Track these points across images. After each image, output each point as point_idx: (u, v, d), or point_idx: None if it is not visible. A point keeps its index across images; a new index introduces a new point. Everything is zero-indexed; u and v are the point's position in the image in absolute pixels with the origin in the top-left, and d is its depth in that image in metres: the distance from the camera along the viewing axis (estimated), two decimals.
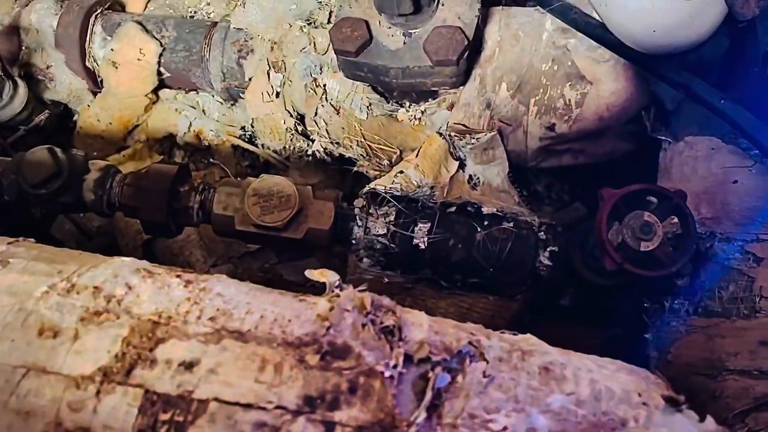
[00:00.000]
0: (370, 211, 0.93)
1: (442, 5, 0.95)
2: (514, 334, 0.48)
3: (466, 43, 0.91)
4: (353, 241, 0.93)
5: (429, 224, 0.92)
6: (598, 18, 0.92)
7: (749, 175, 0.85)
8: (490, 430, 0.38)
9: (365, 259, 0.94)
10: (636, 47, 0.86)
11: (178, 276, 0.48)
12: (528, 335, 0.48)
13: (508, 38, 1.02)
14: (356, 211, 0.93)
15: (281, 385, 0.41)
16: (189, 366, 0.41)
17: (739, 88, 0.86)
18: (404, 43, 0.94)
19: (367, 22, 0.95)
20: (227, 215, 0.89)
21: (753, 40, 0.82)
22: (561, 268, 0.91)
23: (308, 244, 0.91)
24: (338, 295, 0.47)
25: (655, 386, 0.42)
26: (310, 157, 1.18)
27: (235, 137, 1.21)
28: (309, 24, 1.09)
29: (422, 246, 0.91)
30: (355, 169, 1.12)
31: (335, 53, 0.96)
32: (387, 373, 0.41)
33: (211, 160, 1.24)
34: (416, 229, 0.92)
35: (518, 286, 0.94)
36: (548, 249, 0.91)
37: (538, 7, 1.01)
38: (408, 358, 0.42)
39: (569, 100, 0.99)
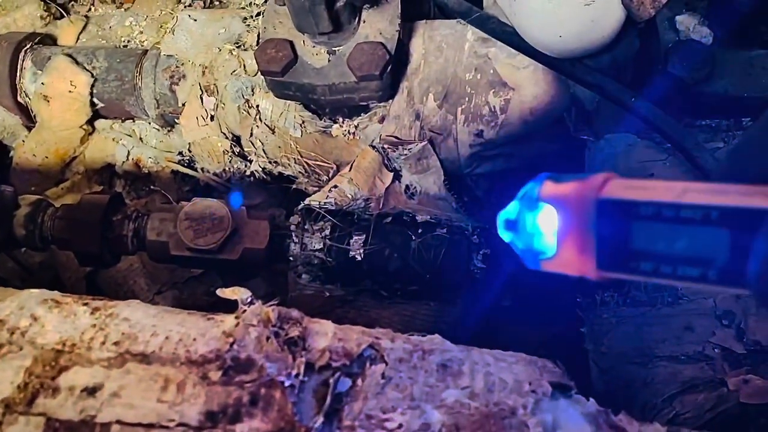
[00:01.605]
0: (306, 227, 0.94)
1: (364, 22, 0.97)
2: (422, 336, 0.50)
3: (387, 57, 0.94)
4: (291, 258, 0.94)
5: (364, 236, 0.93)
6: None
7: (663, 167, 0.89)
8: (385, 429, 0.40)
9: (304, 275, 0.95)
10: (548, 52, 0.90)
11: (85, 304, 0.48)
12: (434, 336, 0.50)
13: (432, 50, 1.05)
14: (292, 228, 0.94)
15: (183, 402, 0.41)
16: (92, 391, 0.42)
17: (648, 86, 0.90)
18: (329, 60, 0.96)
19: (291, 42, 0.96)
20: (161, 241, 0.89)
21: (655, 40, 0.86)
22: (495, 270, 0.93)
23: (246, 265, 0.92)
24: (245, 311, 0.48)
25: (548, 375, 0.44)
26: (251, 178, 1.19)
27: (174, 163, 1.21)
28: (238, 47, 1.11)
29: (359, 257, 0.93)
30: (294, 186, 1.13)
31: (262, 74, 0.97)
32: (288, 383, 0.42)
33: (152, 187, 1.24)
34: (352, 241, 0.93)
35: (456, 289, 0.96)
36: (481, 252, 0.94)
37: (459, 19, 1.04)
38: (310, 367, 0.43)
39: (494, 107, 1.02)
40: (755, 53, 0.82)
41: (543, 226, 0.35)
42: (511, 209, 0.38)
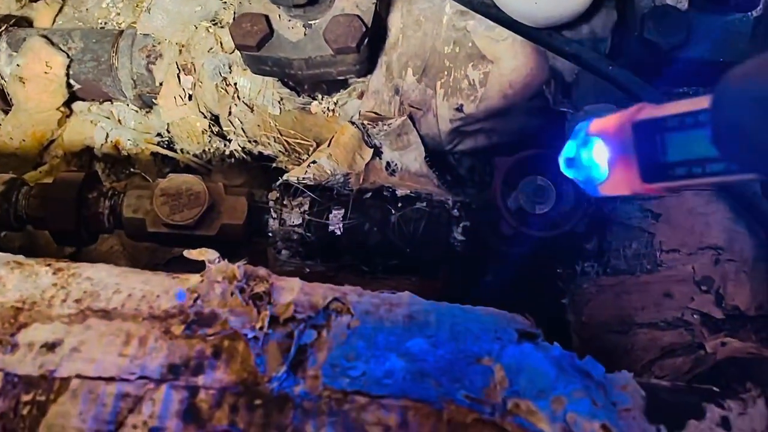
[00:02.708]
0: (284, 202, 0.93)
1: None
2: (392, 293, 0.50)
3: (364, 29, 0.93)
4: (270, 234, 0.93)
5: (343, 210, 0.93)
6: None
7: None
8: (349, 377, 0.39)
9: (283, 251, 0.94)
10: (526, 22, 0.89)
11: (48, 265, 0.48)
12: (404, 292, 0.49)
13: (410, 24, 1.04)
14: (270, 203, 0.94)
15: (145, 356, 0.41)
16: (51, 347, 0.41)
17: (625, 54, 0.89)
18: (305, 34, 0.95)
19: (267, 17, 0.95)
20: (138, 218, 0.88)
21: (630, 6, 0.85)
22: (476, 243, 0.93)
23: (224, 241, 0.91)
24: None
25: (516, 324, 0.43)
26: (231, 159, 1.18)
27: (154, 144, 1.20)
28: (215, 24, 1.10)
29: (338, 232, 0.92)
30: (275, 165, 1.13)
31: (237, 49, 0.96)
32: (251, 335, 0.41)
33: (132, 169, 1.23)
34: (331, 216, 0.92)
35: (437, 263, 0.96)
36: (461, 225, 0.93)
37: None
38: (274, 320, 0.43)
39: (473, 80, 1.01)
40: (731, 18, 0.82)
41: (596, 157, 0.42)
42: (568, 149, 0.45)
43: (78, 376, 0.40)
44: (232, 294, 0.44)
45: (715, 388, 0.47)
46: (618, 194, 0.41)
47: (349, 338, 0.41)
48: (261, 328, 0.42)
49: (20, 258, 0.50)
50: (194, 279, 0.47)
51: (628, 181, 0.39)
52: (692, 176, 0.36)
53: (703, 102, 0.35)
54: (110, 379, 0.40)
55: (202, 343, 0.41)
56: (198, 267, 1.19)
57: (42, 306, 0.43)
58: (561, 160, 0.46)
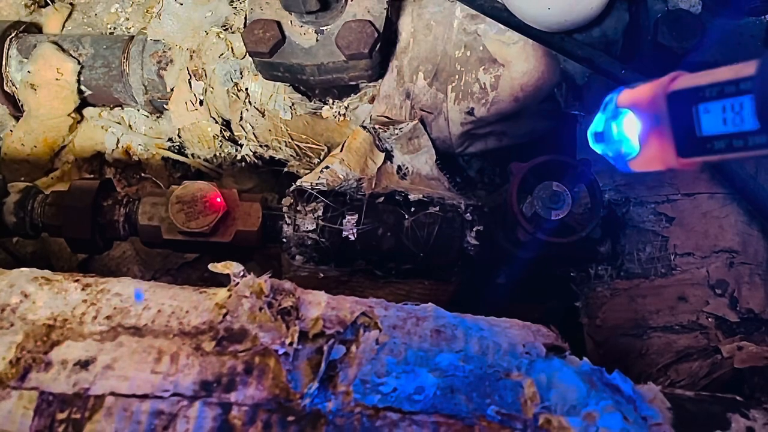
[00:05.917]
0: (298, 208, 0.94)
1: (351, 0, 0.96)
2: (416, 305, 0.50)
3: (376, 35, 0.93)
4: (284, 240, 0.94)
5: (357, 215, 0.93)
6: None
7: None
8: (380, 393, 0.40)
9: (297, 257, 0.94)
10: (538, 26, 0.89)
11: (76, 281, 0.48)
12: (428, 304, 0.50)
13: (421, 28, 1.04)
14: (284, 209, 0.94)
15: (177, 373, 0.41)
16: (85, 364, 0.42)
17: (638, 58, 0.89)
18: (317, 40, 0.96)
19: (278, 23, 0.96)
20: (153, 225, 0.89)
21: (644, 11, 0.85)
22: (489, 247, 0.93)
23: (239, 247, 0.91)
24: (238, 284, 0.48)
25: (542, 338, 0.44)
26: (242, 163, 1.18)
27: (165, 149, 1.21)
28: (225, 30, 1.10)
29: (352, 237, 0.93)
30: (286, 170, 1.13)
31: (250, 55, 0.97)
32: (282, 351, 0.42)
33: (143, 174, 1.23)
34: (344, 221, 0.93)
35: (450, 267, 0.96)
36: (475, 229, 0.93)
37: None
38: (304, 335, 0.43)
39: (484, 84, 1.01)
40: (744, 21, 0.82)
41: (627, 131, 0.39)
42: (597, 122, 0.42)
43: (112, 393, 0.40)
44: (260, 309, 0.45)
45: (738, 398, 0.47)
46: (651, 170, 0.38)
47: (378, 354, 0.42)
48: (291, 344, 0.42)
49: (47, 273, 0.50)
50: (222, 294, 0.47)
51: (662, 157, 0.37)
52: (733, 150, 0.33)
53: (747, 69, 0.32)
54: (144, 397, 0.40)
55: (234, 360, 0.42)
56: (208, 270, 1.19)
57: (73, 323, 0.44)
58: (589, 135, 0.43)
